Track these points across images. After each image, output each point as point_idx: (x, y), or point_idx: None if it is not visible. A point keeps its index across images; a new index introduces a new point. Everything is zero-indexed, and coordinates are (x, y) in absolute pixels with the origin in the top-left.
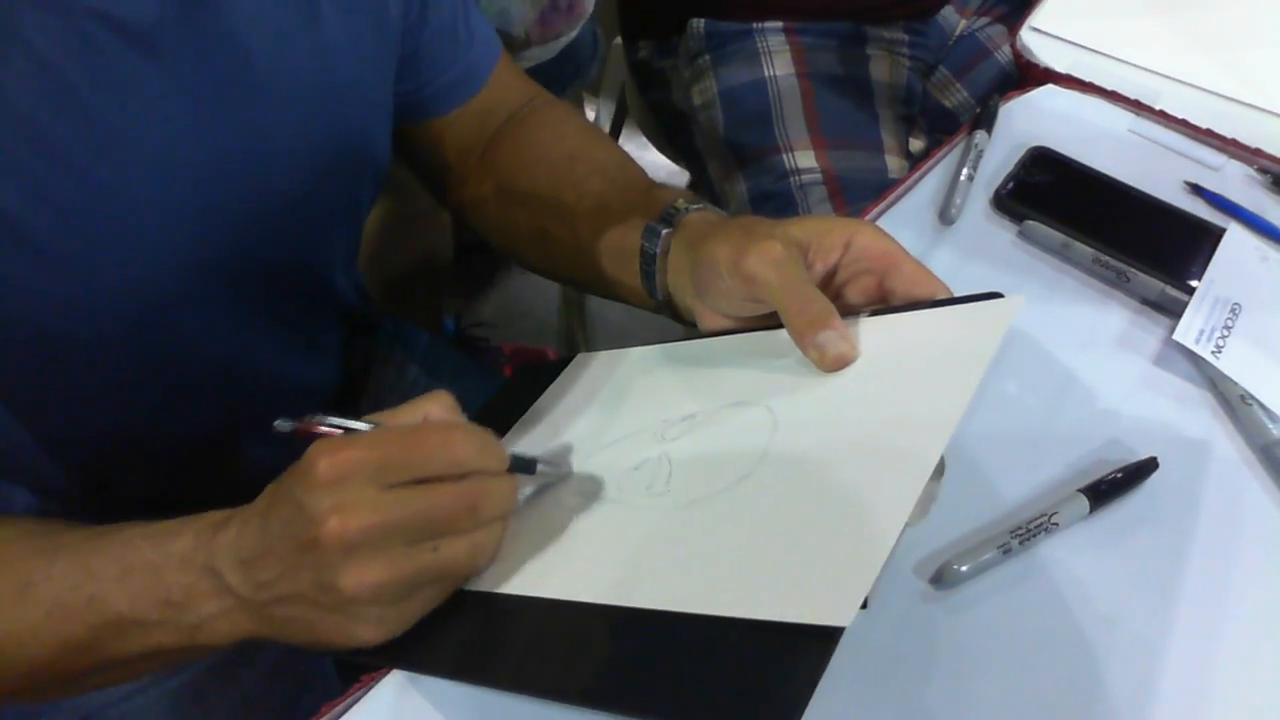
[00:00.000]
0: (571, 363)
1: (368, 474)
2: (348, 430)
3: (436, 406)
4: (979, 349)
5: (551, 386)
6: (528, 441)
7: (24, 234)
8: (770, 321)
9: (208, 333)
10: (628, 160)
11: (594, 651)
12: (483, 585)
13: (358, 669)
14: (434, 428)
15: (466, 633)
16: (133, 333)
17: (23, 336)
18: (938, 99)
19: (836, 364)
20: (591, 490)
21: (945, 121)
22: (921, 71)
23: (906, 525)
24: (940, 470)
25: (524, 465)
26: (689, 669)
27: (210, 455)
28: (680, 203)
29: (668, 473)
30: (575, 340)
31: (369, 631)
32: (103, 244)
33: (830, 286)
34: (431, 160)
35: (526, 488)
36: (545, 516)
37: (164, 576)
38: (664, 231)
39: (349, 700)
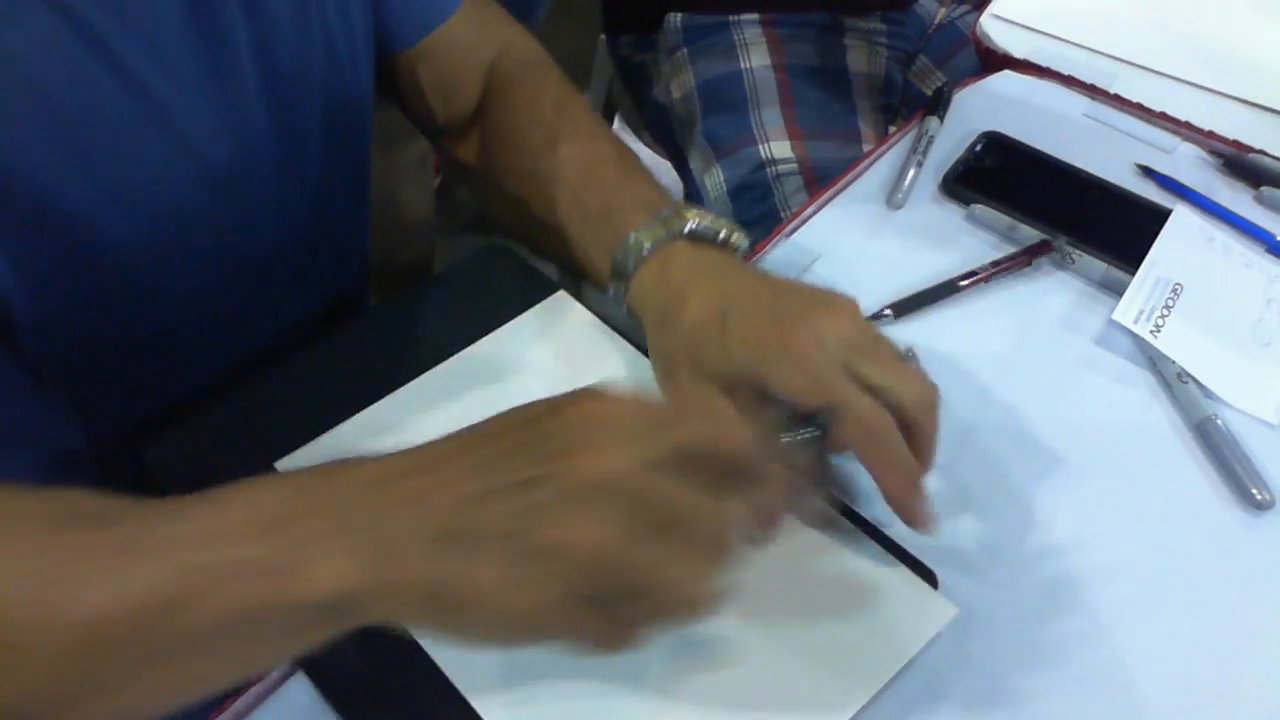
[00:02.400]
0: (548, 300)
1: (636, 429)
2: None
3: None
4: (905, 644)
5: (518, 321)
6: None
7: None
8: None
9: (191, 305)
10: (600, 147)
11: None
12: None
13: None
14: (725, 413)
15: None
16: (119, 293)
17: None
18: (919, 88)
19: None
20: None
21: None
22: (901, 61)
23: None
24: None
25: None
26: None
27: None
28: (666, 214)
29: None
30: None
31: (531, 596)
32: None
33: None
34: (414, 100)
35: None
36: None
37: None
38: (645, 245)
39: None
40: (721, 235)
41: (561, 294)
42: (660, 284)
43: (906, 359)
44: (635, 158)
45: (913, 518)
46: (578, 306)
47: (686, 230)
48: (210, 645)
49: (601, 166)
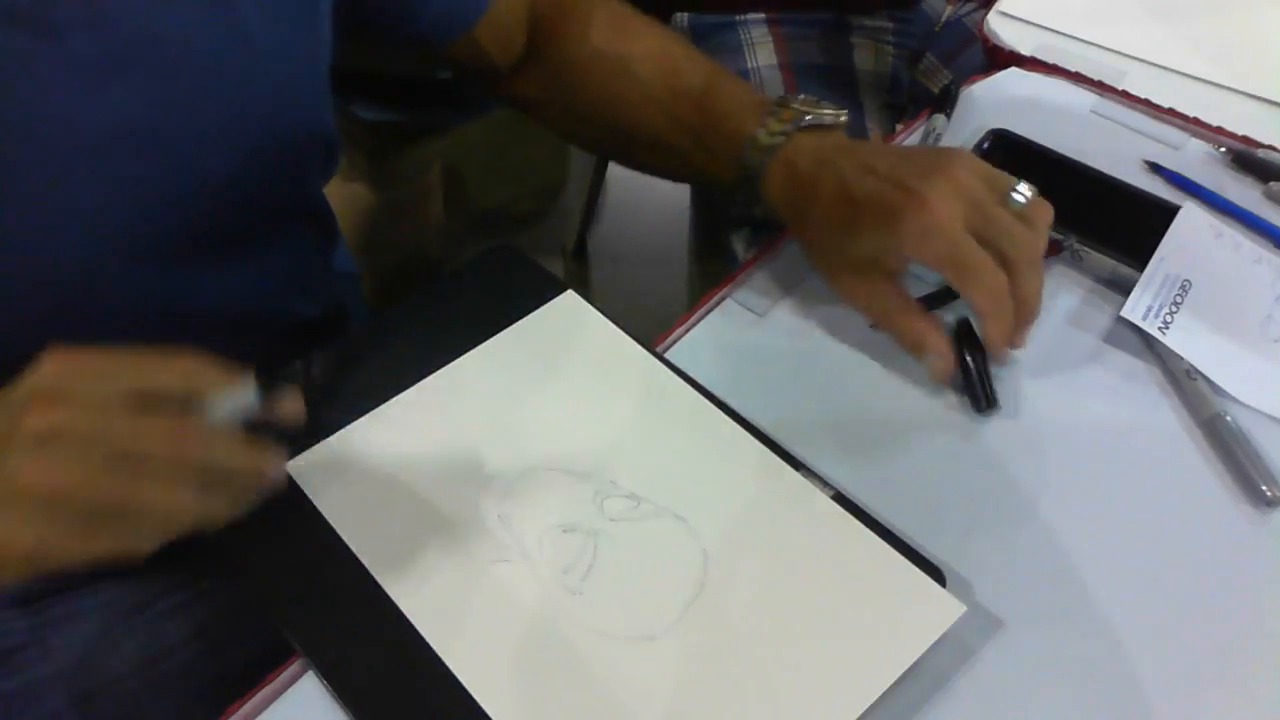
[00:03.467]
0: (557, 300)
1: (94, 374)
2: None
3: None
4: (912, 642)
5: (527, 321)
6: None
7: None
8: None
9: (138, 322)
10: (672, 52)
11: None
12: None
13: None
14: (183, 355)
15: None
16: (51, 319)
17: None
18: (926, 86)
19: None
20: (514, 522)
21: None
22: (908, 59)
23: None
24: None
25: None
26: None
27: None
28: (784, 109)
29: (589, 564)
30: None
31: (23, 536)
32: (8, 226)
33: None
34: (473, 68)
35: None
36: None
37: None
38: (774, 139)
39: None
40: (828, 120)
41: (570, 294)
42: (790, 180)
43: (1017, 200)
44: (702, 55)
45: (999, 358)
46: (586, 306)
47: (802, 125)
48: None
49: (682, 75)
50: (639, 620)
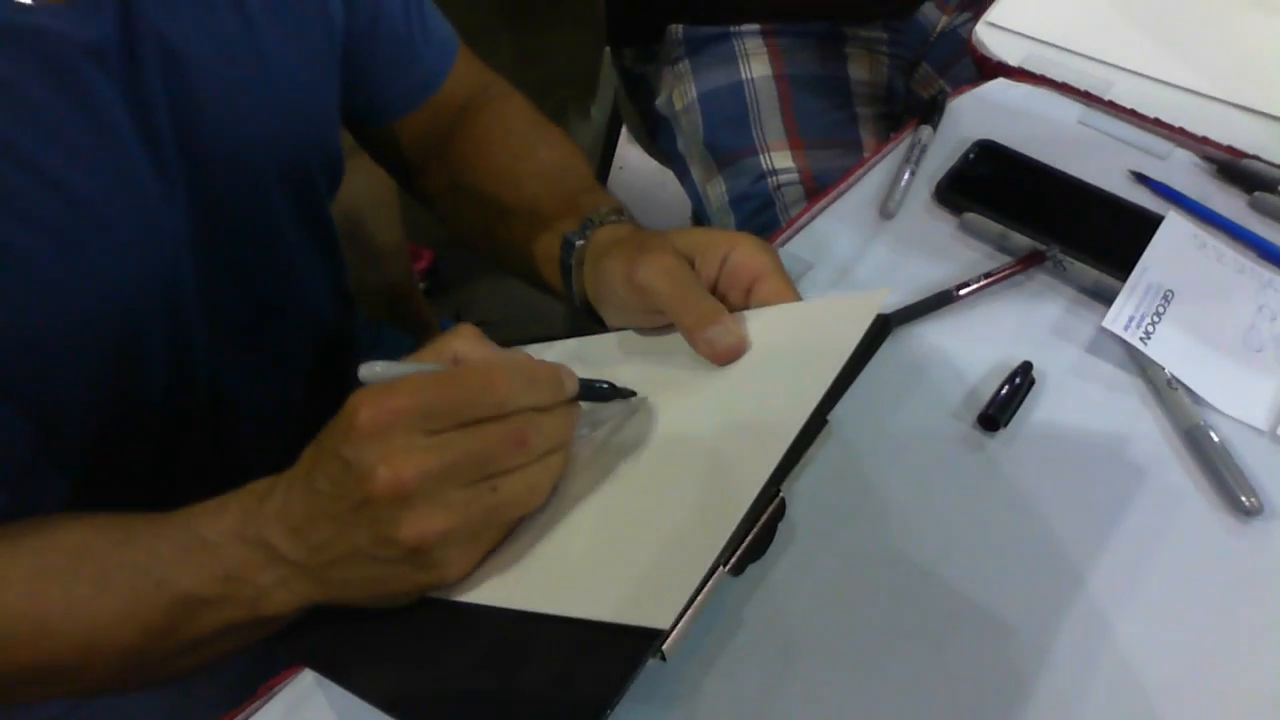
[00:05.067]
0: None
1: (411, 422)
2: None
3: (464, 342)
4: (844, 337)
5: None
6: None
7: (13, 254)
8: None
9: (174, 351)
10: (570, 160)
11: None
12: None
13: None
14: (475, 370)
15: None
16: (114, 348)
17: (13, 352)
18: (921, 96)
19: (729, 355)
20: None
21: None
22: (903, 69)
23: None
24: (826, 434)
25: (593, 392)
26: (525, 667)
27: (191, 471)
28: (597, 215)
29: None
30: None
31: (437, 576)
32: (88, 258)
33: (713, 295)
34: (391, 154)
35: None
36: None
37: (219, 552)
38: (578, 244)
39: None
40: (624, 218)
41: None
42: (591, 265)
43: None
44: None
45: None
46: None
47: (607, 221)
48: (209, 643)
49: (558, 198)
50: (606, 470)
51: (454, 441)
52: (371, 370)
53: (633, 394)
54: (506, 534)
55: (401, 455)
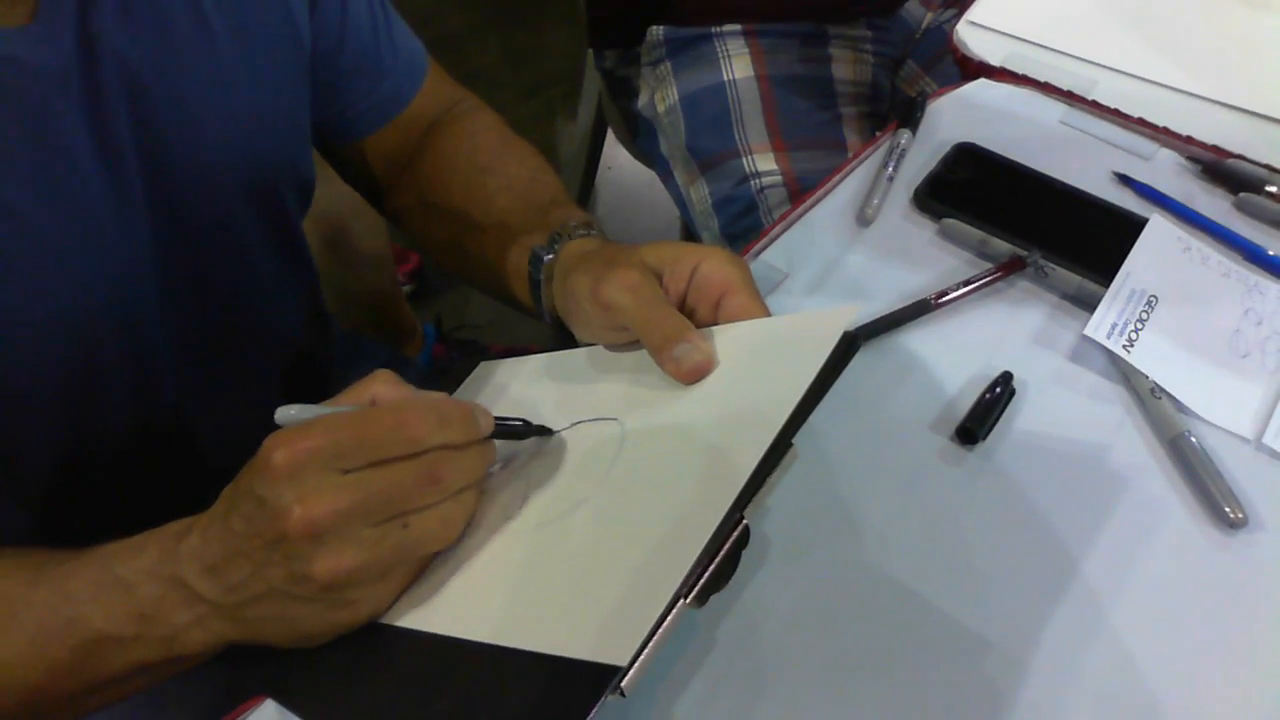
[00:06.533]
0: (474, 372)
1: (324, 461)
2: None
3: (382, 385)
4: (809, 357)
5: (455, 393)
6: None
7: None
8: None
9: (136, 375)
10: (539, 174)
11: (416, 684)
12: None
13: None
14: (388, 409)
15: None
16: (70, 376)
17: None
18: (907, 94)
19: (695, 374)
20: None
21: None
22: (888, 67)
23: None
24: (792, 457)
25: (508, 430)
26: (487, 702)
27: (159, 497)
28: (565, 229)
29: (524, 495)
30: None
31: (351, 615)
32: (40, 285)
33: (682, 310)
34: (360, 173)
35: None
36: None
37: (134, 591)
38: (546, 258)
39: None
40: (593, 232)
41: (484, 364)
42: (559, 280)
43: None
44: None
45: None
46: (502, 362)
47: (576, 235)
48: (118, 682)
49: (527, 212)
50: (572, 494)
51: (366, 480)
52: (287, 414)
53: (550, 432)
54: (420, 570)
55: (314, 494)
